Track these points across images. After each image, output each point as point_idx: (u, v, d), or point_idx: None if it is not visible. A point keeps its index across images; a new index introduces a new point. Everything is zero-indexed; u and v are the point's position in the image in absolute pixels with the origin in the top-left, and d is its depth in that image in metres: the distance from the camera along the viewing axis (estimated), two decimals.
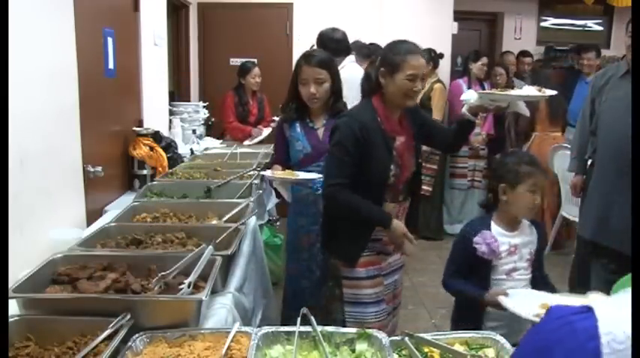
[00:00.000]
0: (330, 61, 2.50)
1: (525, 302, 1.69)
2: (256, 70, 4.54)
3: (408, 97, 2.06)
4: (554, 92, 2.23)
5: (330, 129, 2.46)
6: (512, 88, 5.04)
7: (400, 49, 2.04)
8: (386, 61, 2.05)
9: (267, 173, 2.51)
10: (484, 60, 4.97)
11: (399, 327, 2.27)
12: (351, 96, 3.13)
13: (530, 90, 2.23)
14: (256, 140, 4.44)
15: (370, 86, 2.13)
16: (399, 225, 2.02)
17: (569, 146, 3.84)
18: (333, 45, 3.41)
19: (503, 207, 1.97)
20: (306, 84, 2.41)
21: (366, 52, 4.24)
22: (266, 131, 4.46)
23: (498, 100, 2.19)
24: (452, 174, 5.12)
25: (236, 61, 5.23)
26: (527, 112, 2.22)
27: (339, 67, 3.31)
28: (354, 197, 2.02)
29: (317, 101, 2.44)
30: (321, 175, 2.39)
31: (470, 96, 2.21)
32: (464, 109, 2.23)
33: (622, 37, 3.06)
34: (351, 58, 3.62)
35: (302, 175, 2.43)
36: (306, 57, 2.46)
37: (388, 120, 2.08)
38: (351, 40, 3.88)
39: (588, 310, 0.59)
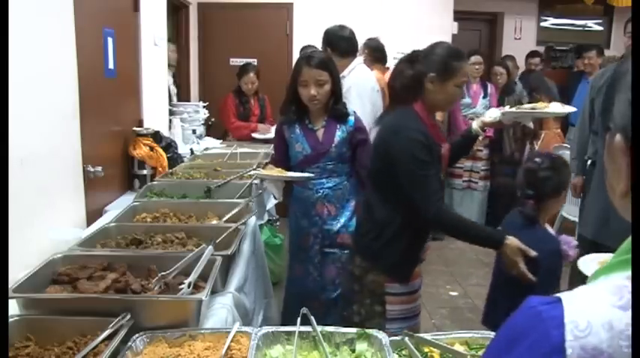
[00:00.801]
0: (330, 61, 2.48)
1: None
2: (251, 76, 4.51)
3: (451, 104, 2.06)
4: (573, 109, 2.26)
5: (329, 130, 2.47)
6: (514, 90, 5.08)
7: (452, 53, 1.95)
8: (439, 65, 1.92)
9: (259, 171, 2.51)
10: (472, 59, 4.94)
11: None
12: (364, 104, 3.04)
13: (555, 107, 2.23)
14: (269, 135, 4.37)
15: (409, 91, 1.97)
16: (513, 241, 1.80)
17: (569, 146, 3.85)
18: (342, 43, 3.22)
19: (548, 213, 2.01)
20: (307, 85, 2.38)
21: (379, 56, 4.09)
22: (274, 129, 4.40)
23: (521, 117, 2.18)
24: (449, 174, 5.13)
25: (236, 61, 5.24)
26: (532, 125, 2.27)
27: (347, 69, 3.22)
28: (458, 215, 1.94)
29: (317, 103, 2.41)
30: (312, 174, 2.42)
31: (494, 114, 2.21)
32: (475, 125, 2.17)
33: (622, 37, 3.06)
34: (359, 60, 3.41)
35: (292, 174, 2.41)
36: (307, 58, 2.43)
37: (434, 129, 2.00)
38: (363, 39, 3.78)
39: (557, 300, 0.60)
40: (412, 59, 1.99)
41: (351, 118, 2.52)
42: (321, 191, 2.47)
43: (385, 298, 2.02)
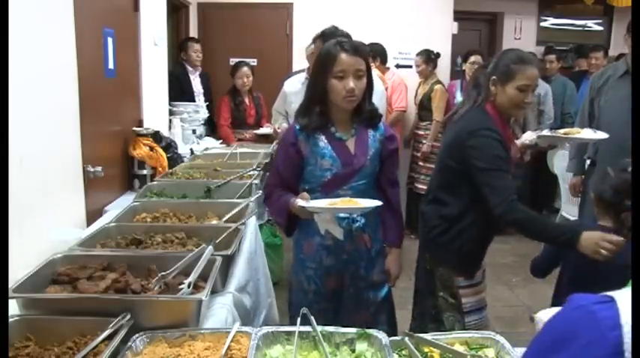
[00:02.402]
0: (366, 49, 2.06)
1: None
2: (244, 70, 4.51)
3: (518, 109, 2.00)
4: (605, 135, 2.34)
5: (361, 139, 1.97)
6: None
7: (514, 57, 1.99)
8: (499, 68, 1.99)
9: (305, 203, 1.82)
10: (472, 58, 4.92)
11: (399, 327, 2.26)
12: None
13: (587, 133, 2.36)
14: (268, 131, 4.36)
15: (479, 92, 2.05)
16: (590, 234, 1.76)
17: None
18: None
19: None
20: (345, 77, 1.86)
21: (372, 55, 4.08)
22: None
23: (556, 141, 2.22)
24: None
25: (236, 61, 5.23)
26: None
27: None
28: (532, 213, 1.90)
29: (355, 99, 1.90)
30: (381, 203, 1.83)
31: (529, 137, 2.28)
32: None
33: (622, 36, 3.06)
34: None
35: (363, 202, 1.81)
36: (340, 44, 1.88)
37: (505, 131, 2.01)
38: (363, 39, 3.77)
39: (610, 300, 0.58)
40: (488, 63, 2.08)
41: (381, 124, 2.06)
42: (358, 219, 1.98)
43: (459, 291, 2.09)
